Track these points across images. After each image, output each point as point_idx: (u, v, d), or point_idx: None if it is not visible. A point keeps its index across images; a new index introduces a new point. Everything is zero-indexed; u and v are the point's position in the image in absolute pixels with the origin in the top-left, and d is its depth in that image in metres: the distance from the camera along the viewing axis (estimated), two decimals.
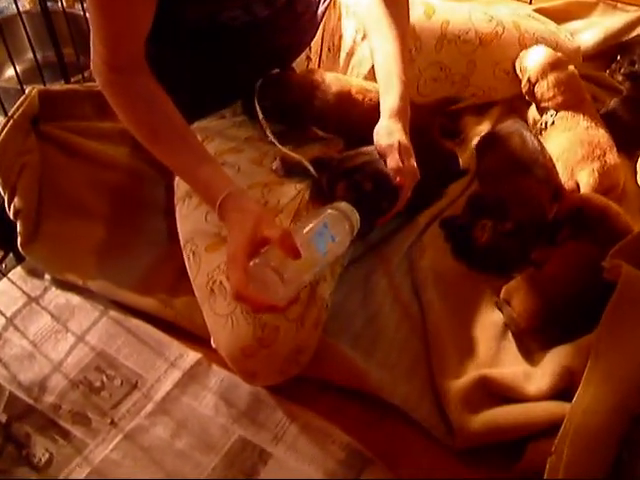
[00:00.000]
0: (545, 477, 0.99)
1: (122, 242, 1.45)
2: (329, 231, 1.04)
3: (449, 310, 1.29)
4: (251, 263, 0.99)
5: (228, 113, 1.46)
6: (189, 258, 1.23)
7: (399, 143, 1.20)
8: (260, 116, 1.36)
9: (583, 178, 1.47)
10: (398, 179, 1.18)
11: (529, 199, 1.38)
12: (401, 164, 1.18)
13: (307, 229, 1.04)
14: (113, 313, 1.34)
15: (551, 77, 1.56)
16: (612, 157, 1.50)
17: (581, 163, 1.48)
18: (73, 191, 1.50)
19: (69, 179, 1.51)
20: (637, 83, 1.70)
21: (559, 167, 1.50)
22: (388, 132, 1.22)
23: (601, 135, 1.52)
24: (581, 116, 1.54)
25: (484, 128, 1.65)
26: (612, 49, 1.83)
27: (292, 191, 1.27)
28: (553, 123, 1.56)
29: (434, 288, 1.32)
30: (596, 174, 1.46)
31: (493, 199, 1.40)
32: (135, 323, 1.32)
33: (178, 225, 1.31)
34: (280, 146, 1.32)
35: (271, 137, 1.33)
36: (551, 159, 1.49)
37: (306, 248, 0.99)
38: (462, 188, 1.52)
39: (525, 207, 1.37)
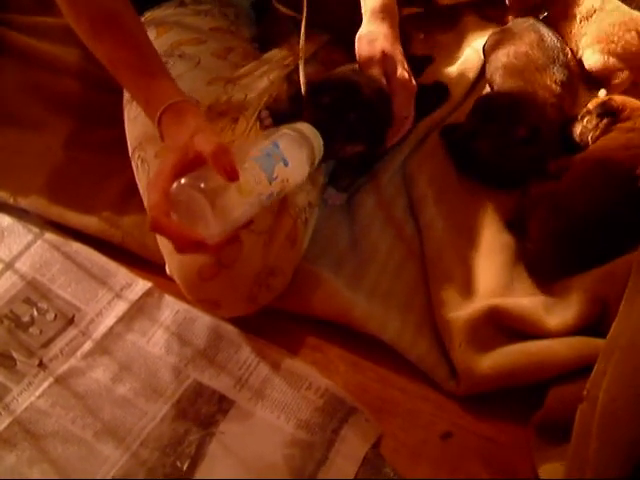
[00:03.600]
0: (575, 430, 0.84)
1: (61, 154, 1.33)
2: (281, 153, 0.90)
3: (452, 231, 1.19)
4: (174, 184, 0.82)
5: None
6: (137, 167, 1.12)
7: (382, 52, 1.09)
8: None
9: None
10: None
11: (547, 101, 1.26)
12: (383, 79, 1.08)
13: (253, 147, 0.89)
14: (49, 236, 1.23)
15: None
16: None
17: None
18: (5, 95, 1.39)
19: (1, 81, 1.41)
20: None
21: None
22: (369, 40, 1.11)
23: None
24: None
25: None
26: None
27: (264, 82, 1.17)
28: None
29: (434, 206, 1.21)
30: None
31: (504, 101, 1.26)
32: (75, 247, 1.21)
33: (126, 130, 1.18)
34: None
35: None
36: (573, 58, 1.40)
37: (248, 169, 0.85)
38: (465, 91, 1.41)
39: (542, 110, 1.24)
